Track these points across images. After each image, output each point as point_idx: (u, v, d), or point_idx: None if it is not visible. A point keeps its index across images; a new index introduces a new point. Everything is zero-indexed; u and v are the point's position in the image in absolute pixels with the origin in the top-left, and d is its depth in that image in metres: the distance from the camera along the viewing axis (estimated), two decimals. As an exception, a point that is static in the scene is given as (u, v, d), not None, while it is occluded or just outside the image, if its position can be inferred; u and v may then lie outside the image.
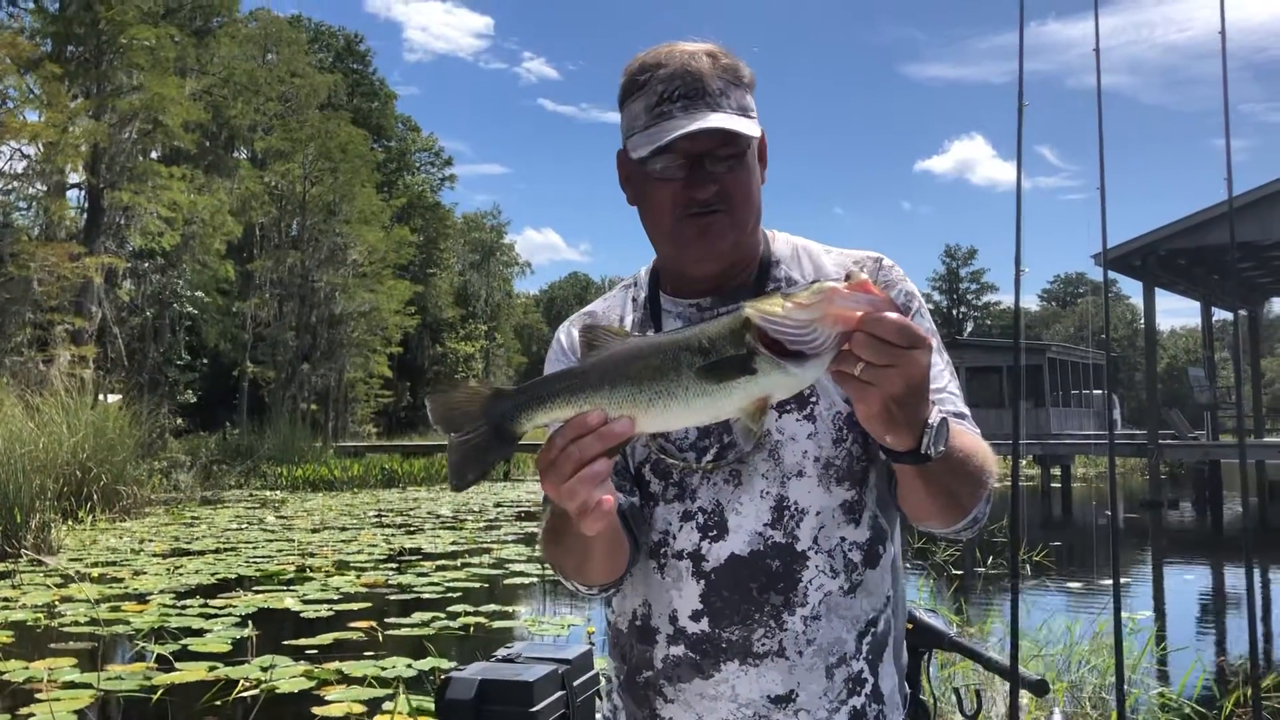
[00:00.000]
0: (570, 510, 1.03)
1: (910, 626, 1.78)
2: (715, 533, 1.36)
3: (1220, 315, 25.45)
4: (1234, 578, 11.13)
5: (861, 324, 0.95)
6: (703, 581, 1.36)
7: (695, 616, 1.37)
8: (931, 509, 1.25)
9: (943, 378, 1.36)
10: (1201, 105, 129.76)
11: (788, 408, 1.36)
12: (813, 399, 1.36)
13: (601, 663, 1.87)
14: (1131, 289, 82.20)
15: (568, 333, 1.53)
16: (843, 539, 1.37)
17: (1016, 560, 3.08)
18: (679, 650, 1.37)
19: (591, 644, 2.82)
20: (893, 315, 0.95)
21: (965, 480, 1.22)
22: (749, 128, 1.32)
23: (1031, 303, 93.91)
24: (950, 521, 1.27)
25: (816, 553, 1.35)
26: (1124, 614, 5.54)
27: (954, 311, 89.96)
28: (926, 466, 1.13)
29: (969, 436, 1.25)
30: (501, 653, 2.50)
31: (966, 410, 1.36)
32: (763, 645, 1.34)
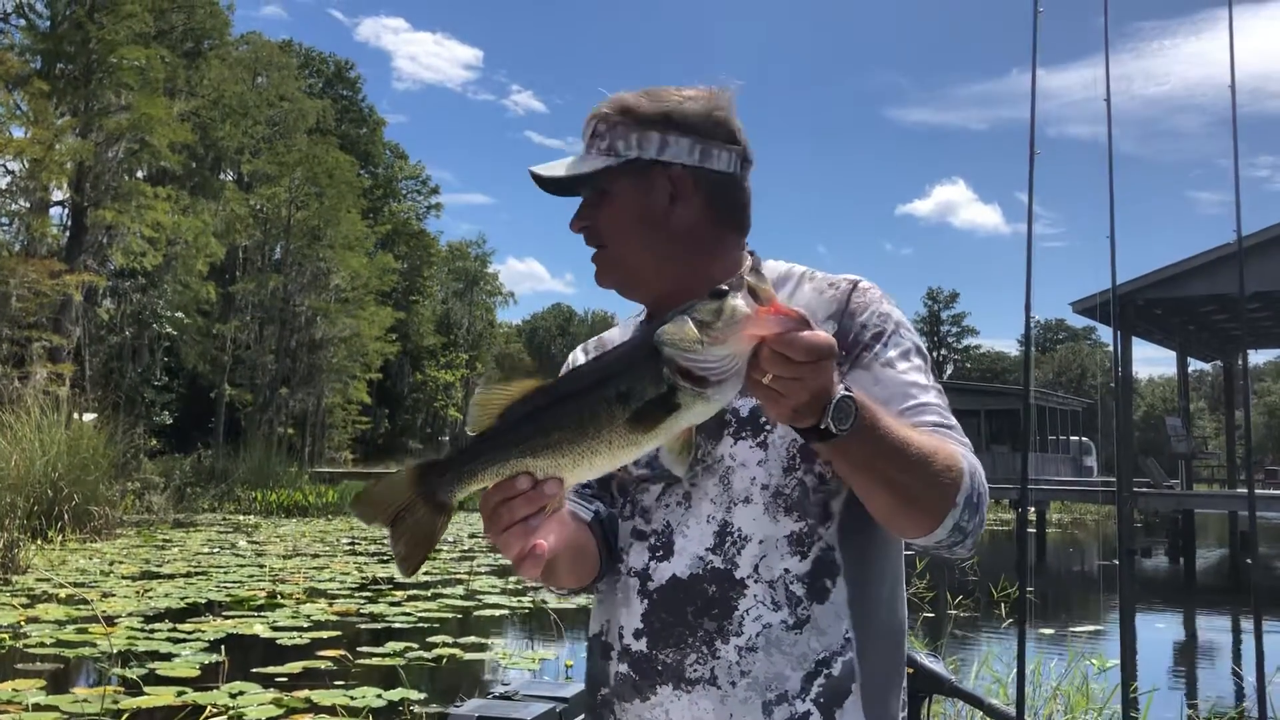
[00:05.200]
0: (508, 558, 1.10)
1: (910, 671, 1.73)
2: (662, 553, 1.39)
3: (1196, 365, 25.68)
4: (1208, 627, 11.18)
5: (772, 343, 0.98)
6: (646, 601, 1.39)
7: (637, 635, 1.39)
8: (890, 506, 1.22)
9: (927, 392, 1.34)
10: (1178, 157, 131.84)
11: (742, 434, 1.36)
12: (768, 426, 1.36)
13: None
14: (1109, 337, 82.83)
15: (574, 356, 1.61)
16: (786, 570, 1.33)
17: (1025, 609, 3.06)
18: (624, 668, 1.40)
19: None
20: (802, 335, 0.98)
21: (917, 475, 1.17)
22: (590, 164, 1.40)
23: (1010, 347, 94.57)
24: (921, 527, 1.23)
25: (756, 582, 1.33)
26: (1093, 660, 5.56)
27: (935, 354, 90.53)
28: (851, 450, 1.13)
29: (930, 437, 1.23)
30: (499, 690, 2.50)
31: (951, 421, 1.32)
32: (695, 671, 1.33)
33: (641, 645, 1.38)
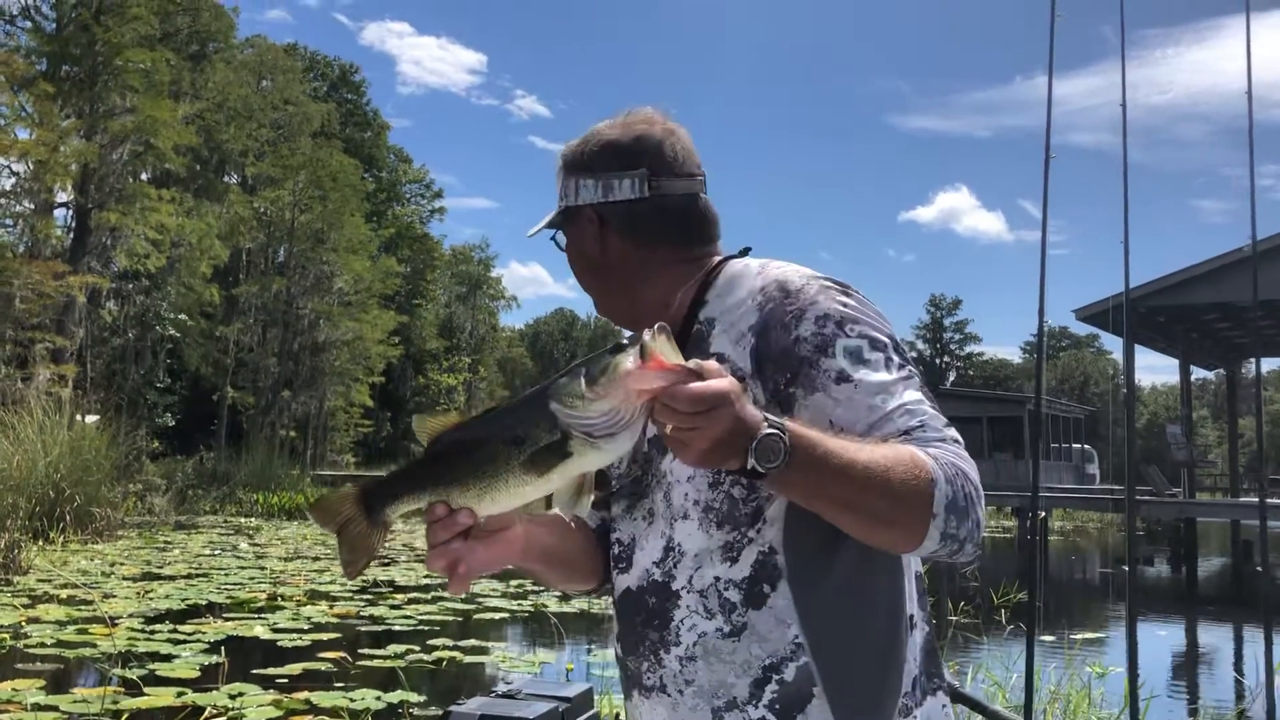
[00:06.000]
0: (431, 572, 1.22)
1: None
2: (624, 565, 1.45)
3: (1198, 374, 25.65)
4: (1210, 635, 11.15)
5: (658, 398, 1.04)
6: (615, 611, 1.46)
7: (618, 641, 1.47)
8: (858, 528, 1.20)
9: (892, 393, 1.26)
10: (1180, 166, 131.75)
11: None
12: None
13: (602, 701, 1.88)
14: (1112, 344, 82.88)
15: None
16: (717, 578, 1.32)
17: (1034, 617, 3.04)
18: (619, 671, 1.48)
19: (590, 684, 2.81)
20: (685, 388, 1.02)
21: (876, 494, 1.14)
22: (551, 216, 1.54)
23: (1013, 355, 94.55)
24: (903, 542, 1.21)
25: (688, 592, 1.34)
26: (1092, 666, 5.55)
27: (937, 361, 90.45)
28: (793, 484, 1.13)
29: (890, 449, 1.18)
30: (502, 688, 2.50)
31: (921, 419, 1.25)
32: (649, 679, 1.38)
33: (619, 650, 1.46)
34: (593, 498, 1.18)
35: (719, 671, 1.31)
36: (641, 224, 1.46)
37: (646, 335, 1.05)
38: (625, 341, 1.06)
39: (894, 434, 1.23)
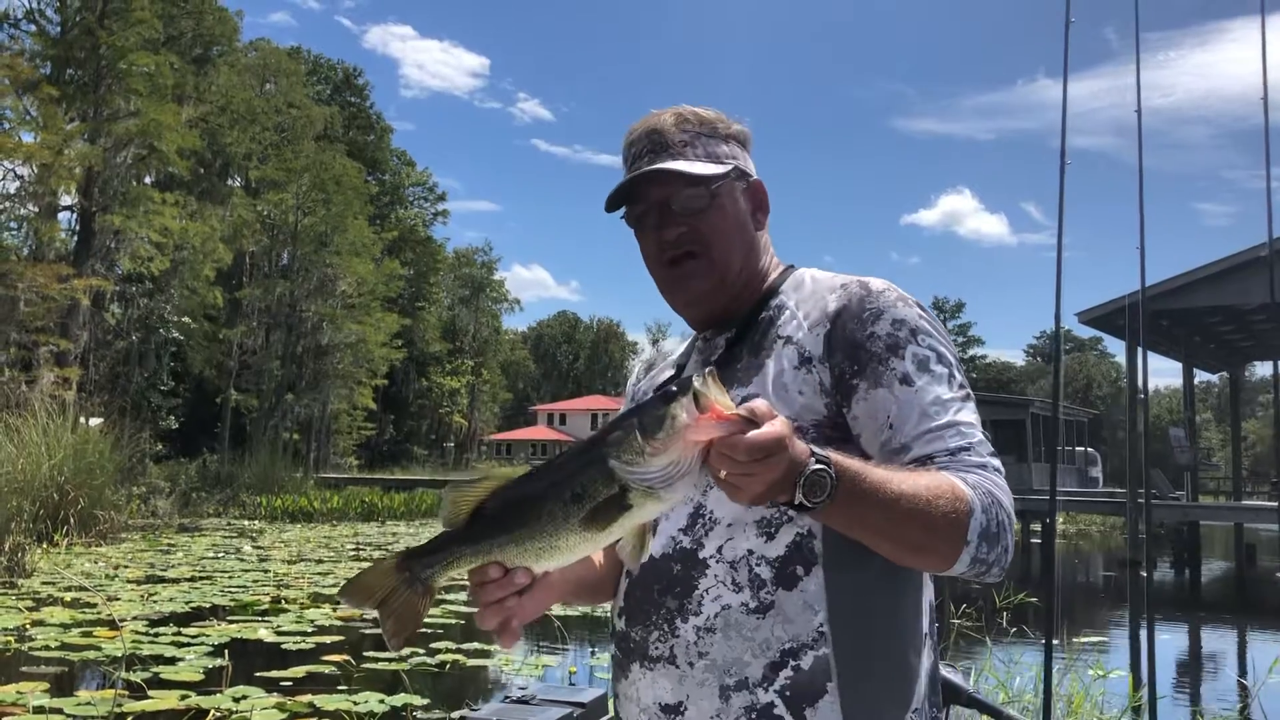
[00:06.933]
0: (484, 629, 1.22)
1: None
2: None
3: (1201, 376, 25.61)
4: (1214, 638, 11.13)
5: (716, 446, 1.04)
6: (628, 580, 1.43)
7: (619, 614, 1.44)
8: (895, 554, 1.23)
9: (950, 408, 1.31)
10: (1182, 169, 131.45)
11: None
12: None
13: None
14: (1115, 347, 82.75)
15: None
16: (750, 551, 1.32)
17: (1052, 622, 3.03)
18: (614, 648, 1.46)
19: (604, 689, 2.80)
20: (744, 439, 1.03)
21: (916, 525, 1.17)
22: (704, 168, 1.42)
23: (1016, 357, 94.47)
24: (934, 567, 1.25)
25: (718, 562, 1.33)
26: (1098, 668, 5.54)
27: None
28: (836, 516, 1.15)
29: (932, 478, 1.21)
30: (516, 693, 2.49)
31: (973, 439, 1.29)
32: (656, 649, 1.35)
33: (621, 624, 1.43)
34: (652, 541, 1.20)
35: (737, 648, 1.30)
36: (765, 206, 1.54)
37: (697, 381, 1.05)
38: (675, 388, 1.06)
39: (941, 451, 1.27)
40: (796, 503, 1.10)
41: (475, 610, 1.23)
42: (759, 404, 1.06)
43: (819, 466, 1.10)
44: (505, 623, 1.22)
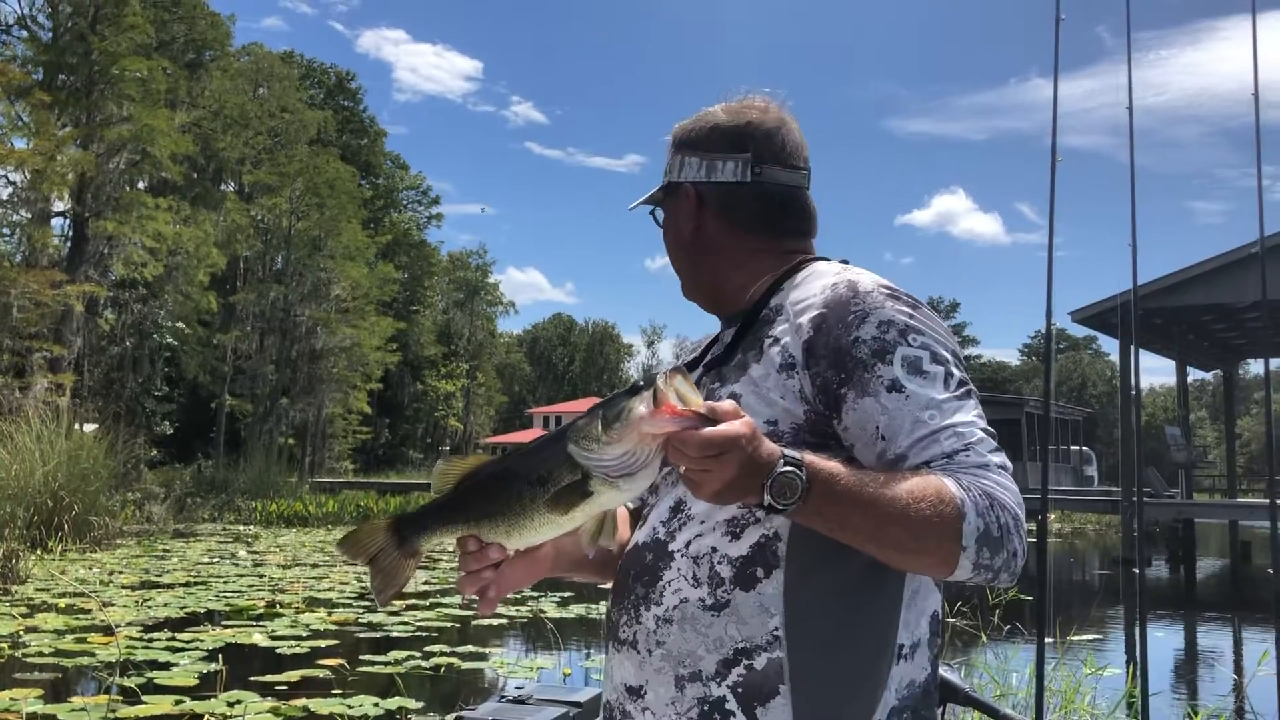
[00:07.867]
0: (462, 595, 1.29)
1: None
2: (641, 520, 1.47)
3: (1195, 375, 25.67)
4: (1209, 636, 11.16)
5: (670, 441, 1.09)
6: (619, 564, 1.46)
7: (609, 596, 1.48)
8: (882, 557, 1.21)
9: (944, 411, 1.25)
10: (1175, 168, 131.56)
11: None
12: None
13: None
14: (1109, 346, 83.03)
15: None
16: (714, 549, 1.31)
17: (1044, 621, 3.03)
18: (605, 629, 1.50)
19: (600, 689, 2.80)
20: (694, 434, 1.07)
21: (899, 528, 1.16)
22: (653, 191, 1.56)
23: (1011, 357, 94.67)
24: (932, 571, 1.24)
25: (683, 556, 1.33)
26: (1094, 669, 5.55)
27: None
28: (810, 518, 1.16)
29: (917, 480, 1.18)
30: (512, 693, 2.49)
31: (969, 441, 1.24)
32: (624, 633, 1.38)
33: (607, 604, 1.48)
34: (618, 535, 1.26)
35: (691, 641, 1.30)
36: (740, 208, 1.49)
37: (660, 379, 1.08)
38: (642, 383, 1.10)
39: (937, 456, 1.23)
40: (765, 504, 1.12)
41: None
42: (724, 403, 1.09)
43: (787, 469, 1.10)
44: (481, 592, 1.34)
